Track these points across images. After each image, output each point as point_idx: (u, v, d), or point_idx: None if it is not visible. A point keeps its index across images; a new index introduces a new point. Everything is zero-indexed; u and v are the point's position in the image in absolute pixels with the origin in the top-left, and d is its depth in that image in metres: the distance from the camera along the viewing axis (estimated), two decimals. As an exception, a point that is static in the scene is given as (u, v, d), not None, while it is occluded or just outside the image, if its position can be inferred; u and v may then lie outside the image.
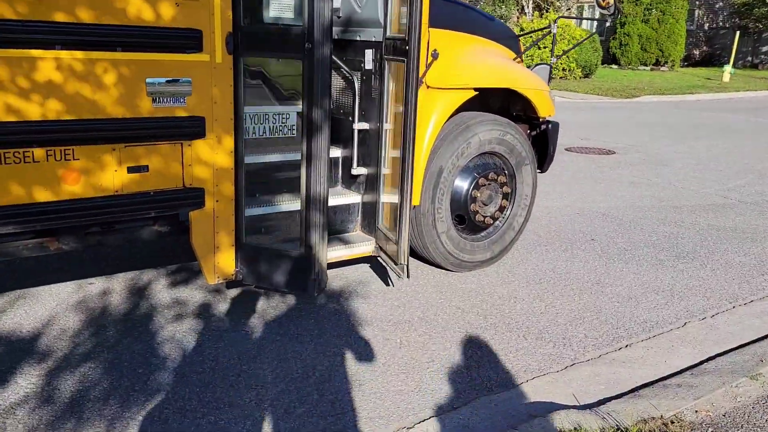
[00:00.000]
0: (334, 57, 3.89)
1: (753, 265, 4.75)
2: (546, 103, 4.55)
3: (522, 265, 4.59)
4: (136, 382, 2.91)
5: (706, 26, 32.86)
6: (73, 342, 3.22)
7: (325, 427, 2.64)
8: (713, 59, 31.13)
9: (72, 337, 3.27)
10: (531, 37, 13.72)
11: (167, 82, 2.95)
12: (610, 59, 27.65)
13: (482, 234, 4.42)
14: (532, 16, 24.48)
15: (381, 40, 3.68)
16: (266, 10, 3.17)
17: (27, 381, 2.87)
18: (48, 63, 2.65)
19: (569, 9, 25.66)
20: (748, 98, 18.93)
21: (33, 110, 2.66)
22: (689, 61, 31.00)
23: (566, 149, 9.28)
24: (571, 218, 5.77)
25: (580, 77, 21.78)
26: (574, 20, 22.36)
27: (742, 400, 2.87)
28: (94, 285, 3.90)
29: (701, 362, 3.31)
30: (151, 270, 4.14)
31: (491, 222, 4.42)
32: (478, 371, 3.14)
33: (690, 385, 3.03)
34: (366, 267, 4.33)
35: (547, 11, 24.14)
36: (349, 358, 3.20)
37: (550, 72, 4.80)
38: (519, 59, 4.72)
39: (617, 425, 2.58)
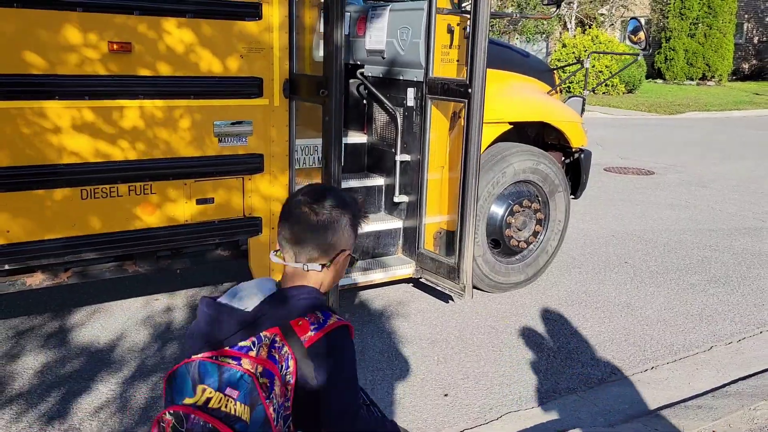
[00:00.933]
0: (378, 94, 4.26)
1: (784, 291, 4.88)
2: (578, 133, 4.79)
3: (555, 287, 4.82)
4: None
5: (755, 39, 32.23)
6: (144, 353, 3.61)
7: (369, 436, 2.94)
8: (763, 73, 30.50)
9: (143, 348, 3.66)
10: (564, 71, 13.88)
11: (232, 124, 3.33)
12: (654, 74, 27.42)
13: (517, 257, 4.68)
14: (575, 31, 24.53)
15: (422, 79, 4.00)
16: (301, 62, 3.50)
17: (107, 387, 3.26)
18: (132, 111, 3.05)
19: (612, 24, 25.61)
20: (798, 114, 18.59)
21: (118, 152, 3.06)
22: (737, 76, 30.45)
23: (605, 169, 9.42)
24: (606, 240, 5.97)
25: (624, 93, 21.70)
26: (618, 37, 22.33)
27: (759, 422, 3.06)
28: (159, 301, 4.30)
29: (723, 385, 3.50)
30: (209, 286, 4.52)
31: (525, 246, 4.67)
32: (510, 388, 3.40)
33: (710, 406, 3.23)
34: (407, 287, 4.63)
35: (590, 27, 24.14)
36: (390, 373, 3.50)
37: (583, 104, 5.03)
38: (554, 92, 4.98)
39: (636, 442, 2.81)
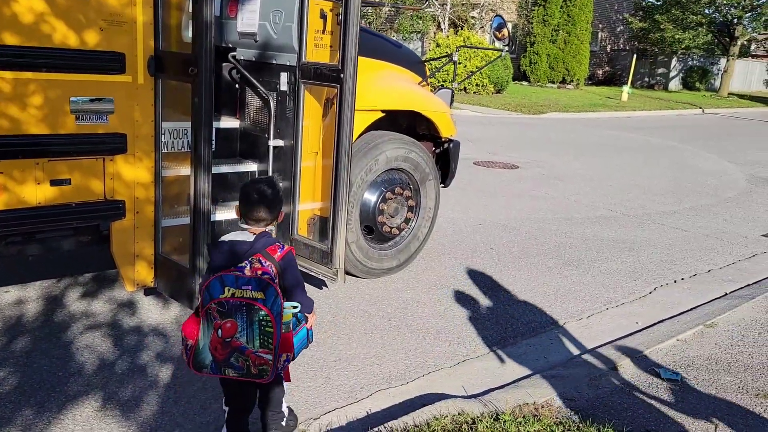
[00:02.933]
0: (251, 78, 4.19)
1: (627, 272, 5.35)
2: (448, 124, 4.98)
3: (426, 272, 4.99)
4: (56, 384, 3.07)
5: (608, 48, 35.00)
6: (-9, 348, 3.33)
7: (239, 420, 2.90)
8: (615, 79, 33.20)
9: (-10, 343, 3.38)
10: (433, 63, 14.41)
11: (91, 101, 3.14)
12: (521, 76, 29.00)
13: (389, 243, 4.79)
14: (448, 32, 25.38)
15: (295, 64, 3.98)
16: (168, 39, 3.37)
17: (-54, 386, 2.98)
18: (-26, 82, 2.80)
19: (483, 27, 26.77)
20: (643, 117, 20.42)
21: (-42, 126, 2.80)
22: (593, 80, 32.93)
23: (474, 163, 9.86)
24: (474, 229, 6.25)
25: (493, 93, 22.76)
26: (487, 40, 23.35)
27: (603, 388, 3.35)
28: (9, 293, 3.98)
29: (573, 357, 3.79)
30: (67, 278, 4.24)
31: (398, 233, 4.79)
32: (380, 367, 3.48)
33: (562, 376, 3.49)
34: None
35: (461, 28, 25.08)
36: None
37: (452, 96, 5.25)
38: (424, 83, 5.14)
39: (496, 410, 2.98)
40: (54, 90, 3.02)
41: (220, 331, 2.31)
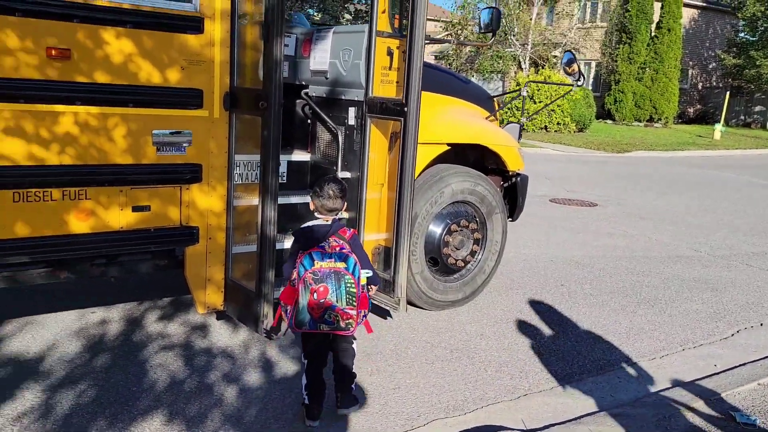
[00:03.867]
0: (321, 113, 4.38)
1: (708, 313, 5.10)
2: (515, 157, 4.99)
3: (493, 306, 4.95)
4: (129, 399, 3.25)
5: (699, 85, 33.78)
6: (73, 363, 3.57)
7: (296, 441, 2.98)
8: (707, 117, 31.90)
9: (73, 359, 3.63)
10: (503, 98, 14.44)
11: (171, 133, 3.39)
12: (605, 114, 28.43)
13: (454, 276, 4.79)
14: (528, 71, 25.31)
15: (362, 99, 4.13)
16: (242, 77, 3.58)
17: (33, 395, 3.22)
18: (69, 116, 3.09)
19: (565, 66, 26.53)
20: (736, 156, 19.48)
21: (53, 156, 3.08)
22: (683, 119, 31.79)
23: (551, 200, 9.72)
24: (545, 265, 6.15)
25: (575, 131, 22.41)
26: (563, 77, 23.12)
27: (673, 430, 3.20)
28: (95, 314, 4.26)
29: (642, 396, 3.64)
30: (147, 301, 4.50)
31: (463, 265, 4.80)
32: (438, 397, 3.47)
33: (628, 415, 3.36)
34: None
35: (543, 67, 24.96)
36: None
37: (521, 130, 5.25)
38: (492, 118, 5.18)
39: (553, 445, 2.91)
40: (138, 124, 3.28)
41: (315, 294, 2.95)
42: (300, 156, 4.63)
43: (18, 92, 2.95)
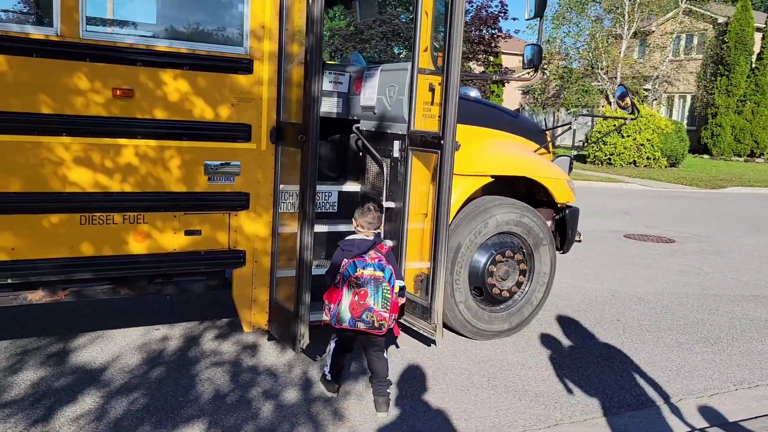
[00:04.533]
0: (369, 146, 4.61)
1: (773, 353, 4.85)
2: (563, 190, 5.01)
3: (540, 338, 4.93)
4: (175, 408, 3.53)
5: (808, 118, 31.69)
6: (131, 374, 3.91)
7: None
8: (816, 151, 29.83)
9: (132, 370, 3.96)
10: (554, 132, 14.19)
11: (221, 164, 3.71)
12: (701, 149, 27.26)
13: (500, 306, 4.83)
14: (615, 105, 24.78)
15: (405, 133, 4.33)
16: (287, 112, 3.86)
17: (91, 400, 3.56)
18: (130, 149, 3.47)
19: (656, 99, 25.76)
20: None
21: (115, 184, 3.46)
22: (790, 153, 29.87)
23: (625, 236, 9.48)
24: (604, 300, 6.04)
25: (666, 166, 21.64)
26: (663, 113, 22.48)
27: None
28: (159, 331, 4.62)
29: (682, 433, 3.54)
30: (207, 321, 4.83)
31: (508, 296, 4.83)
32: (466, 422, 3.53)
33: (660, 450, 3.28)
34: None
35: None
36: (360, 402, 3.68)
37: (571, 162, 5.27)
38: (544, 150, 5.23)
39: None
40: (192, 155, 3.63)
41: (357, 296, 3.45)
42: (351, 187, 4.87)
43: (87, 128, 3.36)
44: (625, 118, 5.36)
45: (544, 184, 4.89)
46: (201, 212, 3.72)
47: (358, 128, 4.78)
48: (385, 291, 3.47)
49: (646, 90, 26.70)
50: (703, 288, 6.69)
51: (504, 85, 26.41)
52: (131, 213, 3.54)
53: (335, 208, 4.76)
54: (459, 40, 3.86)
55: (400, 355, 4.41)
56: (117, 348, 4.28)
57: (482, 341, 4.76)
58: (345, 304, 3.47)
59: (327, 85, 4.96)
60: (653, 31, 28.39)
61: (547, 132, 5.43)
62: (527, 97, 33.65)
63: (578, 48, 24.49)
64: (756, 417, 3.78)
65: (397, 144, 4.44)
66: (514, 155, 4.88)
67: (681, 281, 6.92)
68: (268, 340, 4.53)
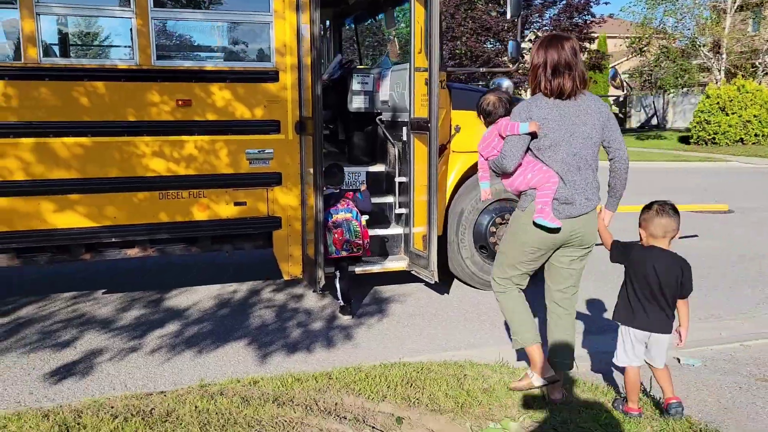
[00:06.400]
0: (386, 133, 5.68)
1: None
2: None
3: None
4: (230, 331, 4.79)
5: None
6: (205, 313, 5.23)
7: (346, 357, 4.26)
8: None
9: (206, 311, 5.29)
10: None
11: (258, 151, 4.94)
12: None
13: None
14: (720, 82, 23.88)
15: (408, 120, 5.35)
16: (306, 109, 5.00)
17: (174, 327, 4.90)
18: (191, 143, 4.77)
19: (766, 73, 24.52)
20: None
21: (182, 169, 4.78)
22: None
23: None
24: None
25: (777, 143, 20.77)
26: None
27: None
28: (231, 287, 5.96)
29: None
30: (271, 281, 6.10)
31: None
32: (447, 342, 4.52)
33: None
34: (417, 284, 5.86)
35: (735, 76, 23.42)
36: (364, 329, 4.78)
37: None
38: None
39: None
40: (236, 146, 4.88)
41: (336, 234, 4.92)
42: (376, 168, 5.96)
43: (160, 129, 4.70)
44: (619, 96, 6.01)
45: (537, 156, 5.71)
46: (245, 188, 4.96)
47: (380, 119, 5.86)
48: (354, 226, 4.95)
49: (758, 65, 25.42)
50: (724, 250, 7.11)
51: (600, 71, 26.25)
52: (194, 190, 4.85)
53: (365, 186, 5.86)
54: (437, 44, 4.85)
55: (413, 298, 5.45)
56: (198, 297, 5.65)
57: (485, 290, 5.67)
58: (330, 240, 4.92)
59: (356, 85, 6.08)
60: (765, 2, 26.91)
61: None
62: (632, 80, 32.92)
63: (677, 27, 23.90)
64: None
65: (404, 129, 5.48)
66: (507, 133, 5.73)
67: (706, 245, 7.36)
68: (313, 292, 5.72)
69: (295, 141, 5.01)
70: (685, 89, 27.84)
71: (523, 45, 25.03)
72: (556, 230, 3.18)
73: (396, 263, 5.51)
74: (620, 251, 3.31)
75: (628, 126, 36.94)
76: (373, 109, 6.10)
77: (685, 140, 24.25)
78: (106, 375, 4.02)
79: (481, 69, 7.44)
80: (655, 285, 3.12)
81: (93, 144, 4.58)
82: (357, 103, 6.13)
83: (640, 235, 3.24)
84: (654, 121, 36.54)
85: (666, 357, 3.23)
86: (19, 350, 4.40)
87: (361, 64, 7.41)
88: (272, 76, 4.90)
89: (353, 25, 7.50)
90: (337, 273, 5.07)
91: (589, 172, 3.23)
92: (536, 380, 3.29)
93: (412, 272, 5.49)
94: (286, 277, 5.20)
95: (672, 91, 25.72)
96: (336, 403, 3.08)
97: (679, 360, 3.93)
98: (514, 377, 3.59)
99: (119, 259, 4.95)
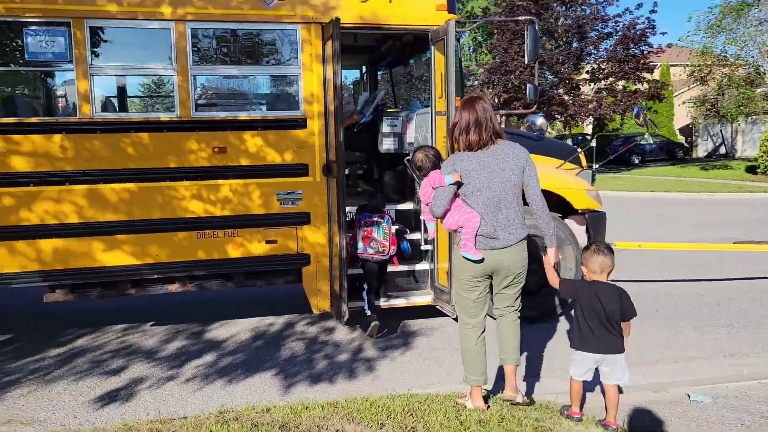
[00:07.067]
0: (412, 172, 5.94)
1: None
2: (582, 198, 5.91)
3: (563, 322, 5.82)
4: (261, 361, 5.10)
5: None
6: (240, 344, 5.57)
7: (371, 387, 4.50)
8: None
9: (242, 342, 5.62)
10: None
11: (288, 193, 5.30)
12: None
13: (530, 297, 5.82)
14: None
15: (432, 161, 5.60)
16: (332, 153, 5.33)
17: (211, 357, 5.25)
18: (226, 187, 5.18)
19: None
20: None
21: (218, 211, 5.18)
22: None
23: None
24: (658, 295, 6.66)
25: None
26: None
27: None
28: (268, 320, 6.29)
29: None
30: (306, 314, 6.40)
31: (537, 288, 5.82)
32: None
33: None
34: (443, 318, 6.04)
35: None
36: (387, 363, 4.99)
37: (593, 175, 6.12)
38: (569, 165, 6.16)
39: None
40: (267, 188, 5.25)
41: (365, 232, 5.38)
42: (405, 206, 6.22)
43: (198, 174, 5.13)
44: (642, 133, 6.08)
45: (560, 193, 5.84)
46: (276, 227, 5.31)
47: (407, 160, 6.13)
48: (383, 228, 5.37)
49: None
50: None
51: (660, 101, 25.80)
52: (229, 229, 5.24)
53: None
54: (453, 90, 5.12)
55: (439, 331, 5.63)
56: (237, 329, 6.01)
57: (512, 325, 5.78)
58: (358, 237, 5.37)
59: (386, 128, 6.41)
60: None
61: (578, 149, 6.34)
62: (700, 109, 32.14)
63: (740, 54, 23.30)
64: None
65: (428, 169, 5.72)
66: (530, 171, 5.90)
67: (754, 282, 7.21)
68: (343, 325, 5.98)
69: (323, 182, 5.34)
70: (753, 117, 26.97)
71: (578, 77, 25.05)
72: (480, 261, 3.68)
73: (421, 298, 5.72)
74: (570, 288, 3.86)
75: (694, 155, 35.93)
76: (402, 149, 6.39)
77: (752, 170, 23.43)
78: (143, 401, 4.38)
79: (500, 112, 7.62)
80: (601, 313, 3.58)
81: (138, 189, 5.05)
82: (387, 144, 6.45)
83: (583, 271, 3.78)
84: (722, 150, 35.39)
85: (623, 377, 3.61)
86: (70, 378, 4.83)
87: (396, 107, 7.75)
88: (301, 123, 5.28)
89: (387, 70, 7.87)
90: (365, 286, 5.40)
91: (510, 211, 3.74)
92: (468, 404, 3.85)
93: (437, 307, 5.68)
94: (315, 311, 5.49)
95: (738, 119, 24.94)
96: (337, 430, 3.30)
97: (689, 396, 3.96)
98: (513, 410, 3.73)
99: (161, 294, 5.37)
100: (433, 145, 5.54)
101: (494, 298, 3.97)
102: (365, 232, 5.31)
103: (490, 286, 3.92)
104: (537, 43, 5.34)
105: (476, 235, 3.72)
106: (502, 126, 6.01)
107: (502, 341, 4.00)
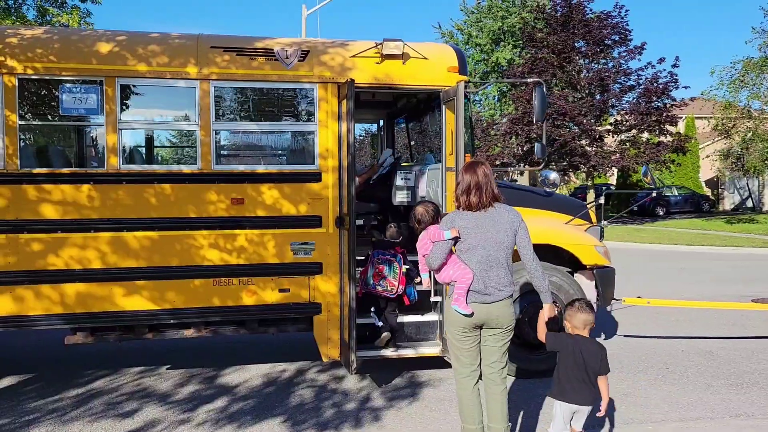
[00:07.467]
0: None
1: (797, 396, 5.24)
2: (590, 254, 6.00)
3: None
4: (270, 407, 5.21)
5: None
6: (252, 390, 5.69)
7: (347, 438, 4.58)
8: None
9: (253, 388, 5.75)
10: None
11: (301, 243, 5.49)
12: None
13: (540, 351, 5.88)
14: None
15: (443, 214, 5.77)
16: (344, 206, 5.53)
17: (223, 402, 5.38)
18: (243, 237, 5.39)
19: None
20: None
21: (233, 259, 5.39)
22: None
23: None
24: (669, 351, 6.65)
25: None
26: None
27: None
28: (281, 366, 6.42)
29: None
30: (319, 361, 6.52)
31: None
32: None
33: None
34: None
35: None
36: (393, 412, 5.06)
37: (601, 231, 6.22)
38: (579, 221, 6.27)
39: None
40: (282, 239, 5.46)
41: (377, 269, 5.55)
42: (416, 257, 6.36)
43: (216, 224, 5.36)
44: (651, 189, 6.22)
45: (569, 249, 5.95)
46: (289, 276, 5.49)
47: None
48: (395, 268, 5.50)
49: None
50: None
51: (683, 154, 25.78)
52: (244, 277, 5.43)
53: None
54: (462, 147, 5.32)
55: (445, 383, 5.69)
56: (249, 375, 6.14)
57: (518, 378, 5.83)
58: (369, 274, 5.53)
59: (399, 181, 6.62)
60: None
61: (587, 205, 6.46)
62: (725, 163, 32.02)
63: (765, 109, 23.28)
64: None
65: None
66: (539, 227, 6.02)
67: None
68: (353, 374, 6.08)
69: (335, 234, 5.53)
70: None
71: (601, 129, 25.19)
72: (470, 315, 3.89)
73: (429, 349, 5.81)
74: (555, 341, 4.07)
75: (720, 208, 35.59)
76: (415, 202, 6.57)
77: (779, 224, 23.17)
78: (154, 444, 4.52)
79: (509, 168, 7.79)
80: (581, 366, 3.85)
81: (159, 237, 5.29)
82: (400, 197, 6.65)
83: (566, 326, 4.07)
84: (749, 204, 35.04)
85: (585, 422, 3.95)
86: (86, 419, 4.99)
87: (411, 160, 7.99)
88: (316, 176, 5.51)
89: (404, 124, 8.14)
90: (380, 323, 5.60)
91: (500, 269, 3.96)
92: None
93: (445, 358, 5.75)
94: (324, 359, 5.61)
95: (764, 173, 24.79)
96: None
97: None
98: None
99: (178, 338, 5.55)
100: (444, 199, 5.73)
101: (483, 354, 4.07)
102: (377, 270, 5.48)
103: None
104: (544, 104, 5.54)
105: (468, 291, 3.93)
106: (516, 180, 6.16)
107: (489, 409, 4.07)
